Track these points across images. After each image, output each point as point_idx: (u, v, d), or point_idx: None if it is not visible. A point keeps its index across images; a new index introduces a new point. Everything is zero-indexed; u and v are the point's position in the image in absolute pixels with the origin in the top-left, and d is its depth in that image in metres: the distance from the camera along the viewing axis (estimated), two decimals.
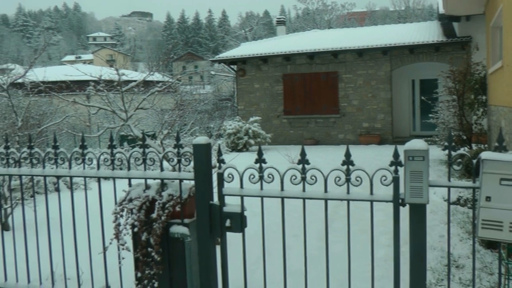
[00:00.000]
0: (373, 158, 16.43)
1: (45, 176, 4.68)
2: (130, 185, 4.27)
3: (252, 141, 20.72)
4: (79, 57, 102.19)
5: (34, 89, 12.17)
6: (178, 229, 4.01)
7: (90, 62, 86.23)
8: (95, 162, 4.41)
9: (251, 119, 21.69)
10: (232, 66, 25.96)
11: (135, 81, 8.56)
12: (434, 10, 58.87)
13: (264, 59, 24.17)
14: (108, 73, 9.35)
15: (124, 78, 7.99)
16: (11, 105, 9.99)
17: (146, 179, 4.16)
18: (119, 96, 7.94)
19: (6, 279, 4.94)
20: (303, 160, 3.73)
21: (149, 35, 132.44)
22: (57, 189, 4.04)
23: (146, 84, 11.31)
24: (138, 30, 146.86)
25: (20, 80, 11.74)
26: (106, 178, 4.30)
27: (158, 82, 13.72)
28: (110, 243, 4.23)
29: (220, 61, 27.03)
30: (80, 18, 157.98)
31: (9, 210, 8.45)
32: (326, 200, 3.76)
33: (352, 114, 22.98)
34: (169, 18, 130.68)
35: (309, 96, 23.57)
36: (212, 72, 41.47)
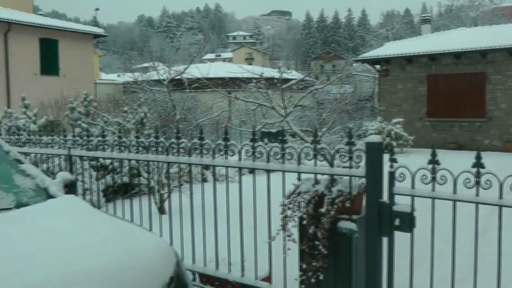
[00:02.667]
0: None
1: (214, 166, 4.97)
2: (299, 179, 4.40)
3: (394, 143, 20.35)
4: (219, 55, 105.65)
5: (192, 84, 12.85)
6: (346, 225, 4.09)
7: (230, 60, 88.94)
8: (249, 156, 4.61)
9: (394, 120, 21.25)
10: (375, 66, 25.65)
11: (294, 79, 8.78)
12: None
13: (409, 59, 23.59)
14: (266, 71, 9.65)
15: (284, 76, 8.22)
16: (170, 99, 10.63)
17: (316, 174, 4.27)
18: (278, 93, 8.19)
19: None
20: (478, 164, 3.65)
21: (288, 34, 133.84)
22: (226, 177, 4.26)
23: (286, 82, 11.52)
24: (277, 29, 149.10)
25: (172, 76, 12.45)
26: (275, 170, 4.47)
27: (302, 80, 13.88)
28: (278, 234, 4.39)
29: (363, 61, 26.83)
30: (221, 18, 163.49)
31: (165, 196, 9.06)
32: (500, 206, 3.64)
33: (500, 119, 21.76)
34: (308, 17, 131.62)
35: (454, 98, 22.62)
36: (353, 72, 41.23)
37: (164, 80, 11.00)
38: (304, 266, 4.28)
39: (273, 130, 18.40)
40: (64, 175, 4.36)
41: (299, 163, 4.32)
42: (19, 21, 27.08)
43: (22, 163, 4.32)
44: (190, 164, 5.20)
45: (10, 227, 3.03)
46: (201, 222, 5.05)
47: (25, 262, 2.60)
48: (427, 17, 32.52)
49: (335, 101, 24.50)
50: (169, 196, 5.48)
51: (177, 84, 14.85)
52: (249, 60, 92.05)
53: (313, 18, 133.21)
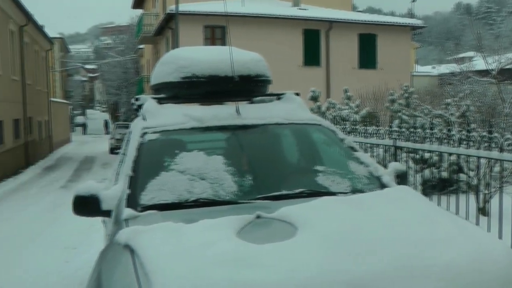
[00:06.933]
0: None
1: None
2: None
3: None
4: None
5: None
6: None
7: None
8: None
9: None
10: None
11: None
12: None
13: None
14: None
15: None
16: (499, 90, 10.07)
17: None
18: None
19: None
20: None
21: None
22: None
23: None
24: None
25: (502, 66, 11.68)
26: None
27: None
28: None
29: None
30: None
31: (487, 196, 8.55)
32: None
33: None
34: None
35: None
36: None
37: (492, 70, 10.43)
38: None
39: None
40: (396, 166, 4.38)
41: None
42: (340, 19, 29.28)
43: (356, 150, 4.47)
44: None
45: (352, 211, 3.11)
46: None
47: (368, 246, 2.63)
48: None
49: None
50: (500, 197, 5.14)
51: (502, 73, 13.90)
52: None
53: None
